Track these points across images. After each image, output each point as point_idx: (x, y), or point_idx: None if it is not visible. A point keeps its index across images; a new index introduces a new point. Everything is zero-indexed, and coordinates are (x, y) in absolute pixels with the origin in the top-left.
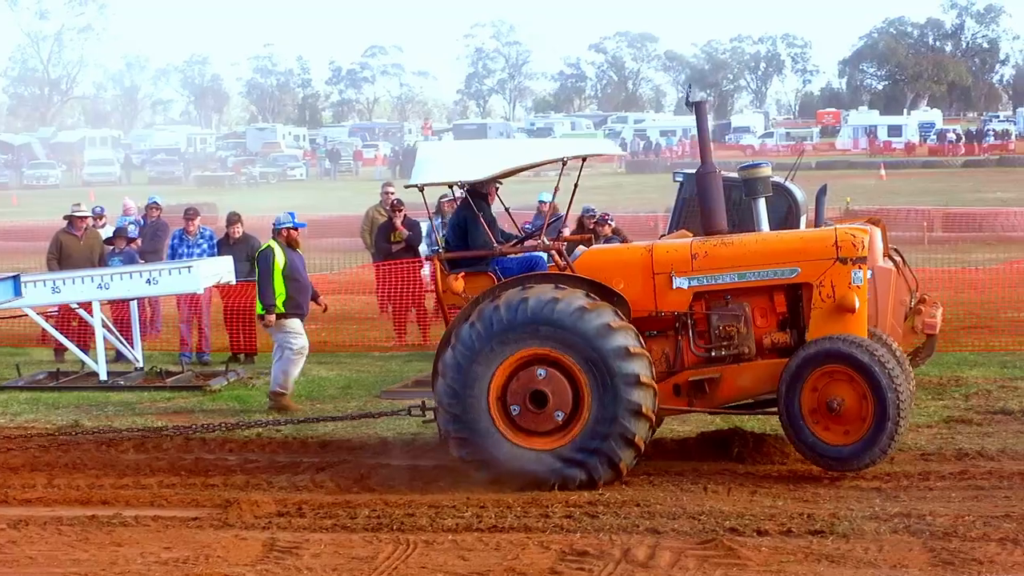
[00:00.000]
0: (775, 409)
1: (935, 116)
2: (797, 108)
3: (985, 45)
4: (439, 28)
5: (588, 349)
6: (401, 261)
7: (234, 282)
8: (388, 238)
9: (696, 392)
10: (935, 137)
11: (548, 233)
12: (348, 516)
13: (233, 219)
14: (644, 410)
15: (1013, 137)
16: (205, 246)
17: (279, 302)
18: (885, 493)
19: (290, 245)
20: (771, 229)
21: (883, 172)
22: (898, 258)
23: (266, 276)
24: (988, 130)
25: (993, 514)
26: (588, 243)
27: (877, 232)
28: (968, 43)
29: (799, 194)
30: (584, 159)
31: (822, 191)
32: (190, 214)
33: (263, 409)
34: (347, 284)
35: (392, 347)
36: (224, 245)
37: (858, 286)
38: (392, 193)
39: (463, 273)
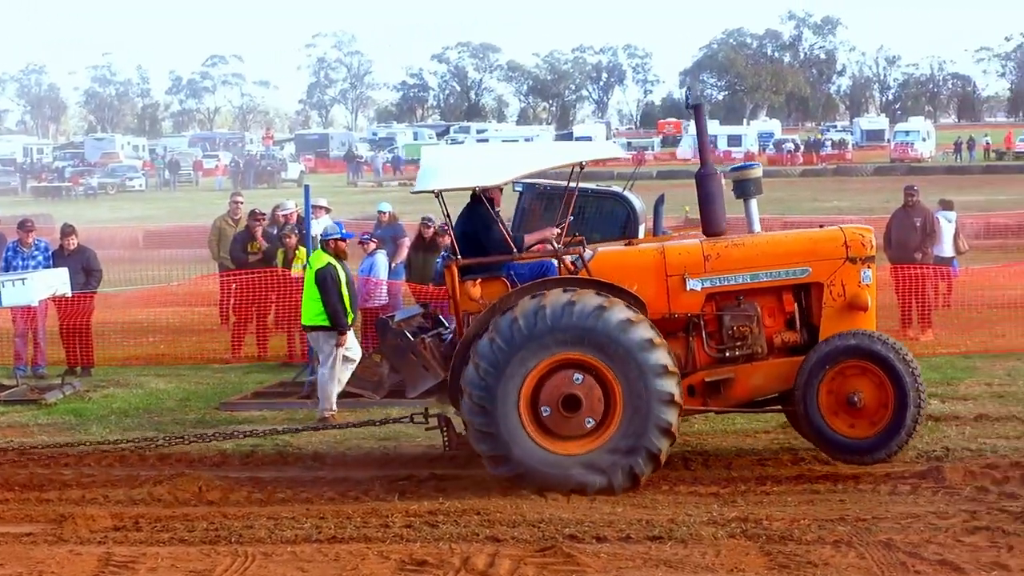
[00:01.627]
0: (780, 407)
1: (774, 126)
2: (639, 118)
3: (823, 56)
4: (280, 38)
5: (629, 362)
6: (254, 272)
7: (70, 294)
8: (245, 248)
9: (710, 392)
10: (774, 147)
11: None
12: (186, 529)
13: (67, 231)
14: (672, 428)
15: (850, 147)
16: (40, 258)
17: (350, 316)
18: (723, 498)
19: (338, 256)
20: (610, 238)
21: (723, 182)
22: None
23: (335, 294)
24: (826, 140)
25: (828, 517)
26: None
27: None
28: (806, 54)
29: (638, 203)
30: (583, 166)
31: (660, 200)
32: (26, 226)
33: (100, 421)
34: (187, 296)
35: (231, 359)
36: (59, 257)
37: (867, 284)
38: (241, 203)
39: (479, 279)
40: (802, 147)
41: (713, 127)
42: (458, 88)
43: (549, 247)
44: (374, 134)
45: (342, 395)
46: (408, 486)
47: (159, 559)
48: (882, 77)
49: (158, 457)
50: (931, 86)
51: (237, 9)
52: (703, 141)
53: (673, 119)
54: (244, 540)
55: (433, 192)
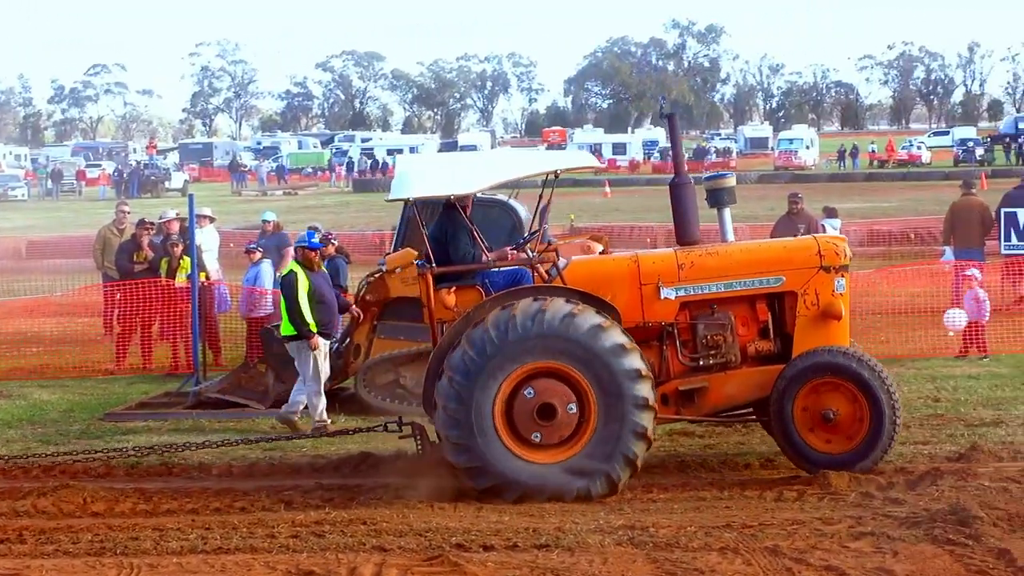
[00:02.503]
0: (754, 417)
1: (658, 134)
2: (523, 126)
3: (707, 64)
4: (163, 46)
5: (601, 368)
6: (139, 282)
7: None
8: (132, 258)
9: (684, 401)
10: (659, 155)
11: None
12: (70, 541)
13: None
14: (647, 432)
15: (734, 155)
16: None
17: (312, 325)
18: (609, 506)
19: (306, 265)
20: (496, 247)
21: (608, 190)
22: None
23: (291, 302)
24: (710, 148)
25: (714, 524)
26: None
27: (600, 248)
28: (690, 62)
29: (522, 212)
30: (557, 174)
31: (544, 208)
32: None
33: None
34: (70, 306)
35: (115, 370)
36: None
37: (841, 293)
38: (128, 212)
39: (454, 288)
40: (687, 155)
41: (598, 135)
42: (342, 97)
43: (524, 255)
44: (258, 143)
45: (226, 406)
46: (294, 496)
47: (43, 571)
48: (766, 85)
49: (42, 469)
50: (814, 94)
51: (120, 17)
52: (677, 150)
53: (558, 127)
54: (129, 552)
55: (407, 200)
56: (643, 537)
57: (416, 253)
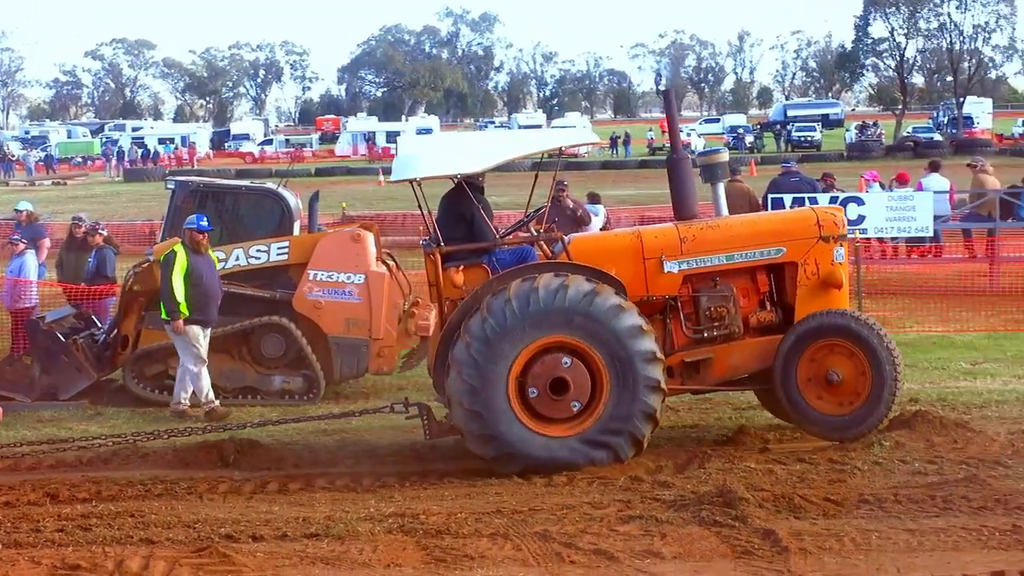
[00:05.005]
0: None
1: (432, 122)
2: (297, 115)
3: (480, 53)
4: None
5: (618, 347)
6: None
7: None
8: None
9: (689, 373)
10: None
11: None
12: None
13: None
14: (656, 414)
15: None
16: None
17: (182, 306)
18: (380, 494)
19: (194, 248)
20: (265, 235)
21: (382, 178)
22: (392, 262)
23: (165, 279)
24: None
25: (485, 510)
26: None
27: (370, 237)
28: (464, 51)
29: (292, 200)
30: (560, 152)
31: (314, 197)
32: None
33: None
34: None
35: None
36: None
37: (840, 263)
38: None
39: (462, 267)
40: None
41: (372, 124)
42: (113, 86)
43: (528, 234)
44: (26, 132)
45: None
46: (60, 489)
47: None
48: (539, 73)
49: None
50: (587, 82)
51: None
52: (673, 126)
53: (332, 116)
54: None
55: (412, 181)
56: (414, 524)
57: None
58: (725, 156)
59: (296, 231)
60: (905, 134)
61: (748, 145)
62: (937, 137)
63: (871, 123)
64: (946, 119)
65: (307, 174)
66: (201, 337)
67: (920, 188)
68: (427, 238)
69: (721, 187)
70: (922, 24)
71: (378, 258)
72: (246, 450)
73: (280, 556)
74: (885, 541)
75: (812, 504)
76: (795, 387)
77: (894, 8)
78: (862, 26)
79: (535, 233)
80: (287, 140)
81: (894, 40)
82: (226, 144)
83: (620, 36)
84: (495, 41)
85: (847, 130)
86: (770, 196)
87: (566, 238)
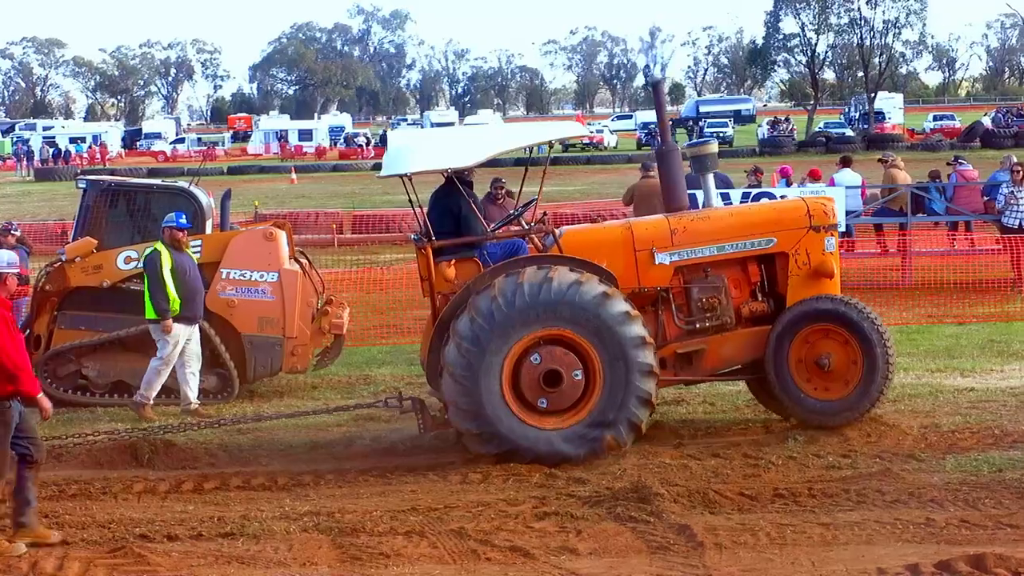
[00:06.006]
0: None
1: (345, 120)
2: (209, 113)
3: (392, 50)
4: None
5: (607, 335)
6: None
7: None
8: None
9: (682, 364)
10: (344, 141)
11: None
12: None
13: None
14: (651, 398)
15: None
16: None
17: (175, 306)
18: (295, 493)
19: (175, 246)
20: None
21: (294, 176)
22: (304, 261)
23: (155, 279)
24: None
25: (400, 508)
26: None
27: (283, 235)
28: (376, 48)
29: (204, 199)
30: (551, 144)
31: (226, 195)
32: None
33: None
34: None
35: None
36: None
37: (831, 252)
38: None
39: (453, 261)
40: (373, 141)
41: (284, 122)
42: (23, 85)
43: (520, 227)
44: None
45: None
46: None
47: None
48: (451, 71)
49: None
50: (500, 79)
51: None
52: (662, 118)
53: (244, 114)
54: None
55: (403, 176)
56: (329, 523)
57: (95, 242)
58: (714, 147)
59: (208, 229)
60: (817, 130)
61: None
62: (849, 133)
63: (783, 119)
64: (858, 114)
65: (219, 172)
66: (183, 336)
67: (832, 183)
68: (418, 233)
69: (711, 178)
70: (833, 20)
71: (291, 256)
72: (161, 450)
73: (195, 556)
74: (800, 535)
75: (727, 499)
76: (786, 369)
77: (804, 4)
78: (773, 22)
79: (526, 227)
80: (199, 139)
81: (805, 36)
82: (138, 143)
83: (532, 33)
84: (407, 39)
85: (759, 126)
86: None
87: (557, 231)
